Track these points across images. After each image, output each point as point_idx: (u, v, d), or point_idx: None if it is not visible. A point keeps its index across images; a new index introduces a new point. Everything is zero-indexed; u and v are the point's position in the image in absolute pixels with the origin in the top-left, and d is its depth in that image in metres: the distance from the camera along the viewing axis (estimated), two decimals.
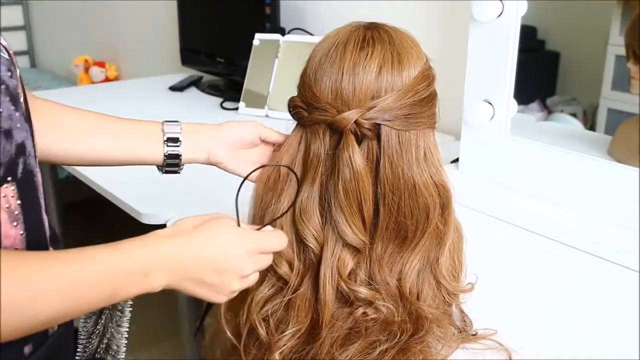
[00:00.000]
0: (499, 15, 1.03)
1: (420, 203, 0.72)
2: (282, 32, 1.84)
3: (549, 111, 1.35)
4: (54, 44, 3.58)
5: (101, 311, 0.74)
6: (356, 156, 0.69)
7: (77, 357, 0.75)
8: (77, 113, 0.83)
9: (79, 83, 2.93)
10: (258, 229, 0.69)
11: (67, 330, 0.69)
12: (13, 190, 0.58)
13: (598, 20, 1.27)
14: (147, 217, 1.20)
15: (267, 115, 1.75)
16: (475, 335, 0.75)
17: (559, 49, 1.36)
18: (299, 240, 0.73)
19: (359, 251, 0.72)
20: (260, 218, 0.75)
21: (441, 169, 0.74)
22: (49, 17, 3.53)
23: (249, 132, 0.85)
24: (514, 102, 1.09)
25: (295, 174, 0.72)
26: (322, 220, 0.72)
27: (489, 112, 1.09)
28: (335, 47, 0.71)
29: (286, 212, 0.73)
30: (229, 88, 2.02)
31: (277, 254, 0.73)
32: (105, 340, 0.74)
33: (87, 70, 2.92)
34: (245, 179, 0.70)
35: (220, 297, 0.66)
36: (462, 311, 0.78)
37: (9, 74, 0.59)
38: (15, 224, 0.59)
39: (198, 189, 1.20)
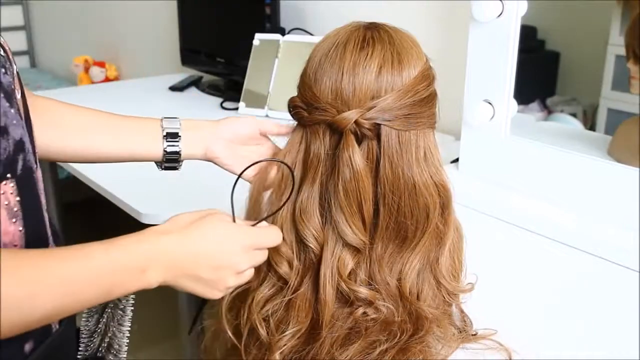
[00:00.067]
0: (499, 15, 1.03)
1: (420, 203, 0.72)
2: (282, 32, 1.84)
3: (549, 111, 1.35)
4: (54, 44, 3.58)
5: (103, 310, 0.74)
6: (356, 156, 0.69)
7: (78, 356, 0.75)
8: (76, 110, 0.83)
9: (79, 83, 2.93)
10: (253, 225, 0.69)
11: (69, 329, 0.69)
12: (12, 187, 0.58)
13: (598, 20, 1.27)
14: (147, 217, 1.19)
15: (267, 115, 1.75)
16: (475, 335, 0.75)
17: (559, 49, 1.36)
18: (299, 240, 0.73)
19: (359, 251, 0.72)
20: (258, 216, 0.75)
21: (441, 169, 0.74)
22: (49, 17, 3.53)
23: (247, 127, 0.85)
24: (514, 102, 1.09)
25: (290, 168, 0.72)
26: (322, 220, 0.72)
27: (489, 112, 1.09)
28: (335, 47, 0.71)
29: (280, 208, 0.73)
30: (229, 88, 2.02)
31: (277, 254, 0.73)
32: (107, 339, 0.74)
33: (87, 70, 2.92)
34: (239, 176, 0.70)
35: (215, 293, 0.66)
36: (462, 311, 0.78)
37: (3, 70, 0.59)
38: (14, 220, 0.59)
39: (198, 188, 1.20)
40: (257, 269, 0.73)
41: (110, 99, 2.04)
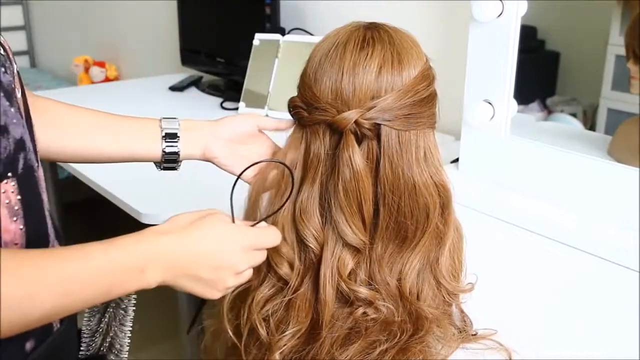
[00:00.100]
0: (499, 15, 1.03)
1: (420, 203, 0.72)
2: (282, 32, 1.84)
3: (549, 111, 1.35)
4: (54, 44, 3.58)
5: (105, 310, 0.74)
6: (356, 156, 0.69)
7: (80, 355, 0.75)
8: (76, 110, 0.83)
9: (79, 83, 2.93)
10: (252, 225, 0.69)
11: (70, 328, 0.69)
12: (13, 185, 0.59)
13: (598, 20, 1.27)
14: (147, 217, 1.20)
15: (267, 116, 1.75)
16: (475, 335, 0.75)
17: (559, 49, 1.36)
18: (299, 240, 0.73)
19: (359, 251, 0.72)
20: (257, 217, 0.75)
21: (441, 169, 0.74)
22: (49, 17, 3.53)
23: (245, 125, 0.85)
24: (514, 102, 1.09)
25: (289, 169, 0.72)
26: (322, 220, 0.72)
27: (489, 112, 1.09)
28: (335, 47, 0.71)
29: (279, 209, 0.73)
30: (229, 88, 2.02)
31: (278, 255, 0.73)
32: (108, 339, 0.74)
33: (87, 70, 2.92)
34: (238, 176, 0.70)
35: (215, 293, 0.66)
36: (462, 311, 0.78)
37: (3, 69, 0.59)
38: (15, 219, 0.59)
39: (198, 188, 1.20)
40: (257, 269, 0.74)
41: (110, 99, 2.04)
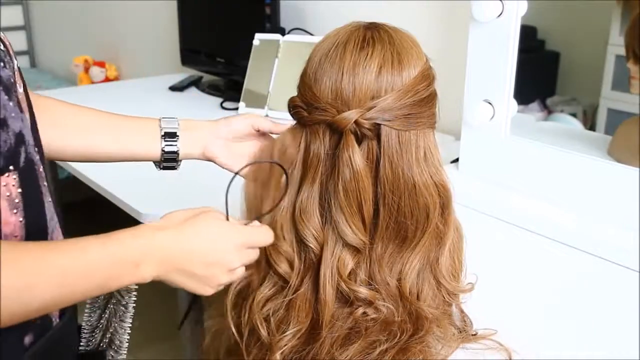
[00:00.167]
0: (499, 15, 1.03)
1: (420, 203, 0.72)
2: (282, 32, 1.84)
3: (549, 111, 1.35)
4: (54, 44, 3.58)
5: (105, 306, 0.75)
6: (356, 156, 0.69)
7: (79, 350, 0.75)
8: (77, 110, 0.84)
9: (79, 83, 2.93)
10: (246, 224, 0.70)
11: (70, 324, 0.70)
12: (15, 179, 0.60)
13: (598, 20, 1.27)
14: (147, 217, 1.20)
15: (267, 115, 1.75)
16: (475, 335, 0.75)
17: (559, 49, 1.36)
18: (299, 240, 0.73)
19: (359, 251, 0.72)
20: (255, 213, 0.76)
21: (441, 169, 0.74)
22: (49, 17, 3.53)
23: (242, 124, 0.87)
24: (514, 102, 1.09)
25: (283, 168, 0.72)
26: (322, 220, 0.72)
27: (489, 112, 1.09)
28: (335, 47, 0.71)
29: (273, 207, 0.73)
30: (229, 88, 2.02)
31: (277, 253, 0.73)
32: (108, 335, 0.75)
33: (87, 70, 2.92)
34: (236, 174, 0.71)
35: (207, 289, 0.67)
36: (462, 311, 0.78)
37: (2, 64, 0.60)
38: (15, 211, 0.60)
39: (197, 188, 1.20)
40: (258, 268, 0.74)
41: (110, 99, 2.04)
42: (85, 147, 0.83)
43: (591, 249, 0.98)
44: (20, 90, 0.64)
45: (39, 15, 3.66)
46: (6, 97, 0.59)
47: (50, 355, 0.65)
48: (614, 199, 0.98)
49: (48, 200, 0.65)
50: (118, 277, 0.60)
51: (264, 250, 0.73)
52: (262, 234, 0.70)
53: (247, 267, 0.71)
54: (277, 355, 0.71)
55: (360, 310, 0.72)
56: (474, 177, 1.15)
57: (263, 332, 0.73)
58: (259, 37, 1.81)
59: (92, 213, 2.52)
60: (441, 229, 0.74)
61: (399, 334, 0.70)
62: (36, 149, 0.64)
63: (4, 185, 0.59)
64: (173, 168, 0.87)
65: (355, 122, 0.69)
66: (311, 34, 1.83)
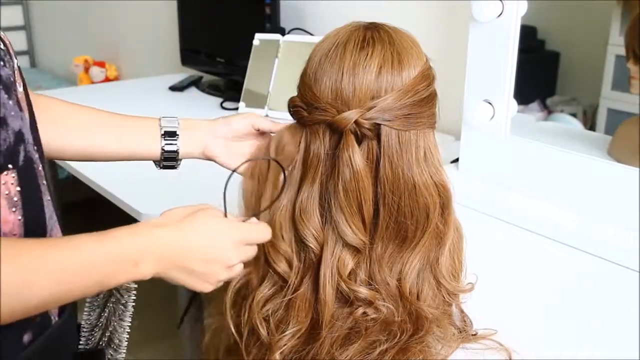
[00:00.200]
0: (499, 15, 1.03)
1: (420, 203, 0.72)
2: (282, 32, 1.83)
3: (549, 111, 1.35)
4: (54, 44, 3.58)
5: (104, 304, 0.75)
6: (356, 156, 0.69)
7: (79, 349, 0.75)
8: (78, 109, 0.85)
9: (79, 83, 2.93)
10: (244, 221, 0.70)
11: (69, 322, 0.70)
12: (13, 177, 0.60)
13: (598, 20, 1.27)
14: (147, 217, 1.19)
15: (267, 115, 1.75)
16: (475, 335, 0.75)
17: (559, 49, 1.36)
18: (299, 240, 0.73)
19: (359, 251, 0.72)
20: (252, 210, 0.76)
21: (441, 169, 0.74)
22: (49, 17, 3.53)
23: (242, 123, 0.87)
24: (514, 102, 1.09)
25: (281, 165, 0.73)
26: (322, 220, 0.72)
27: (489, 112, 1.09)
28: (335, 47, 0.71)
29: (270, 205, 0.73)
30: (229, 88, 2.02)
31: (276, 252, 0.73)
32: (107, 334, 0.75)
33: (87, 70, 2.92)
34: (233, 171, 0.71)
35: (206, 286, 0.67)
36: (462, 311, 0.78)
37: (2, 63, 0.60)
38: (14, 209, 0.60)
39: (198, 188, 1.20)
40: (257, 266, 0.74)
41: (110, 99, 2.04)
42: (86, 146, 0.83)
43: (591, 249, 0.98)
44: (20, 89, 0.64)
45: (39, 15, 3.66)
46: (6, 95, 0.60)
47: (49, 353, 0.65)
48: (614, 199, 0.98)
49: (47, 199, 0.66)
50: (116, 274, 0.60)
51: (262, 249, 0.73)
52: (260, 231, 0.70)
53: (246, 265, 0.72)
54: (277, 355, 0.71)
55: (360, 310, 0.72)
56: (474, 177, 1.15)
57: (262, 332, 0.73)
58: (259, 37, 1.81)
59: (92, 213, 2.52)
60: (441, 229, 0.74)
61: (399, 334, 0.70)
62: (35, 147, 0.64)
63: (3, 184, 0.59)
64: (173, 167, 0.87)
65: (355, 122, 0.69)
66: (311, 34, 1.83)
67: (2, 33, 0.64)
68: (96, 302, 0.75)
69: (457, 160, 1.19)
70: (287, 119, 0.78)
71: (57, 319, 0.67)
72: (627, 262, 0.94)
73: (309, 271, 0.73)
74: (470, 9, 1.04)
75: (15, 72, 0.64)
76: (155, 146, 0.84)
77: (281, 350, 0.71)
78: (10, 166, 0.59)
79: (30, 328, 0.63)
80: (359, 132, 0.70)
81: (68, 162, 1.43)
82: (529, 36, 1.24)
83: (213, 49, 2.08)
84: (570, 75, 1.36)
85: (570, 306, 0.87)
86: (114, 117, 0.86)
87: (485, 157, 1.13)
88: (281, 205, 0.74)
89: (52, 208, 0.67)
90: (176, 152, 0.85)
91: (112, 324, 0.75)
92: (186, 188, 1.20)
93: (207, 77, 2.19)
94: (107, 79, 2.86)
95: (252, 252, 0.70)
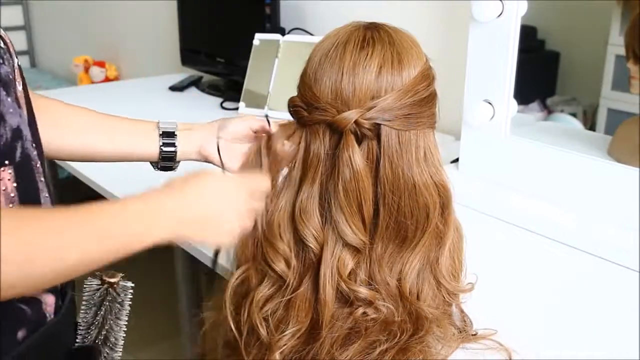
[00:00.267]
0: (499, 15, 1.03)
1: (420, 203, 0.72)
2: (282, 32, 1.83)
3: (549, 111, 1.35)
4: (54, 44, 3.58)
5: (101, 303, 0.75)
6: (356, 156, 0.69)
7: (76, 344, 0.75)
8: (74, 110, 0.86)
9: (79, 83, 2.93)
10: None
11: (65, 320, 0.70)
12: (10, 173, 0.60)
13: (598, 20, 1.27)
14: None
15: (266, 116, 1.75)
16: (475, 335, 0.75)
17: (559, 49, 1.36)
18: (298, 240, 0.73)
19: (359, 251, 0.72)
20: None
21: (441, 169, 0.74)
22: (49, 17, 3.53)
23: (240, 126, 0.88)
24: (514, 102, 1.09)
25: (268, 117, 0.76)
26: (322, 220, 0.72)
27: (489, 112, 1.09)
28: (335, 47, 0.71)
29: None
30: (229, 88, 2.02)
31: (274, 251, 0.73)
32: (103, 332, 0.75)
33: (87, 70, 2.92)
34: (224, 167, 0.73)
35: (223, 237, 0.69)
36: (462, 311, 0.78)
37: (1, 61, 0.61)
38: (11, 205, 0.61)
39: None
40: (254, 262, 0.74)
41: (110, 99, 2.04)
42: (81, 146, 0.85)
43: (591, 249, 0.98)
44: (20, 88, 0.65)
45: (39, 15, 3.66)
46: (4, 92, 0.60)
47: (44, 351, 0.66)
48: (614, 199, 0.98)
49: (45, 195, 0.66)
50: (130, 244, 0.59)
51: (261, 248, 0.73)
52: (259, 179, 0.73)
53: (243, 261, 0.72)
54: (277, 355, 0.71)
55: (360, 310, 0.72)
56: (474, 177, 1.15)
57: (262, 332, 0.73)
58: (259, 37, 1.81)
59: None
60: (441, 229, 0.74)
61: (399, 334, 0.70)
62: (34, 145, 0.65)
63: (0, 180, 0.59)
64: (171, 168, 0.87)
65: (355, 122, 0.69)
66: (311, 34, 1.83)
67: (2, 32, 0.64)
68: (92, 300, 0.76)
69: (457, 160, 1.19)
70: (287, 119, 0.78)
71: (52, 316, 0.67)
72: (627, 262, 0.94)
73: (308, 271, 0.73)
74: (470, 9, 1.05)
75: (15, 70, 0.65)
76: (152, 147, 0.85)
77: (281, 350, 0.71)
78: (7, 162, 0.60)
79: (24, 325, 0.63)
80: (359, 132, 0.70)
81: (68, 162, 1.43)
82: (529, 36, 1.24)
83: (213, 49, 2.08)
84: (570, 75, 1.37)
85: (570, 306, 0.87)
86: (108, 119, 0.87)
87: (485, 157, 1.13)
88: (280, 205, 0.74)
89: (51, 205, 0.67)
90: (174, 152, 0.85)
91: (108, 322, 0.75)
92: None
93: (207, 77, 2.19)
94: (107, 79, 2.86)
95: (258, 202, 0.72)
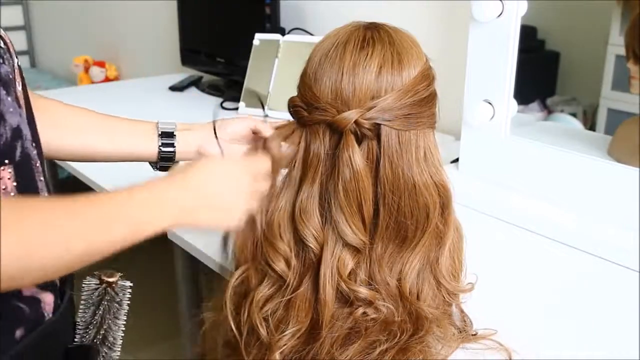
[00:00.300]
0: (499, 15, 1.03)
1: (420, 203, 0.72)
2: (282, 32, 1.83)
3: (549, 111, 1.35)
4: (54, 44, 3.58)
5: (99, 302, 0.75)
6: (356, 156, 0.69)
7: (74, 343, 0.75)
8: (74, 110, 0.86)
9: (79, 83, 2.93)
10: None
11: (63, 319, 0.70)
12: (10, 172, 0.60)
13: (598, 20, 1.27)
14: None
15: (267, 115, 1.75)
16: (475, 335, 0.75)
17: (559, 49, 1.36)
18: (298, 240, 0.73)
19: (359, 251, 0.72)
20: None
21: (441, 169, 0.74)
22: (49, 17, 3.53)
23: (240, 127, 0.89)
24: (514, 102, 1.09)
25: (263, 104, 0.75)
26: (322, 220, 0.72)
27: (489, 112, 1.09)
28: (335, 47, 0.71)
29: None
30: (229, 88, 2.02)
31: (274, 251, 0.73)
32: (102, 332, 0.75)
33: (87, 70, 2.92)
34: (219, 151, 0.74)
35: (230, 221, 0.69)
36: (462, 311, 0.78)
37: (1, 60, 0.61)
38: None
39: None
40: (254, 262, 0.74)
41: (110, 99, 2.04)
42: (80, 146, 0.85)
43: (591, 249, 0.98)
44: (20, 88, 0.65)
45: (39, 15, 3.66)
46: (4, 92, 0.60)
47: (42, 350, 0.66)
48: (614, 199, 0.98)
49: (45, 195, 0.66)
50: (135, 233, 0.59)
51: (261, 248, 0.73)
52: (261, 161, 0.73)
53: (243, 261, 0.72)
54: (277, 355, 0.71)
55: (360, 310, 0.72)
56: (474, 177, 1.15)
57: (262, 332, 0.73)
58: (259, 37, 1.81)
59: None
60: (441, 229, 0.74)
61: (399, 334, 0.70)
62: (34, 144, 0.65)
63: (0, 179, 0.59)
64: (170, 169, 0.87)
65: (355, 122, 0.69)
66: (311, 34, 1.82)
67: (2, 32, 0.65)
68: (91, 299, 0.76)
69: (457, 160, 1.19)
70: (287, 119, 0.78)
71: (50, 315, 0.67)
72: (627, 262, 0.94)
73: (308, 271, 0.73)
74: (470, 9, 1.04)
75: (15, 70, 0.65)
76: (151, 147, 0.86)
77: (281, 350, 0.71)
78: (6, 161, 0.60)
79: (23, 324, 0.63)
80: (359, 132, 0.70)
81: (68, 162, 1.43)
82: (529, 36, 1.24)
83: (213, 49, 2.08)
84: (570, 75, 1.36)
85: (570, 306, 0.87)
86: (107, 119, 0.87)
87: (485, 157, 1.13)
88: (280, 205, 0.74)
89: None
90: (173, 152, 0.86)
91: (106, 321, 0.75)
92: None
93: (207, 77, 2.19)
94: (107, 79, 2.87)
95: (262, 184, 0.72)
